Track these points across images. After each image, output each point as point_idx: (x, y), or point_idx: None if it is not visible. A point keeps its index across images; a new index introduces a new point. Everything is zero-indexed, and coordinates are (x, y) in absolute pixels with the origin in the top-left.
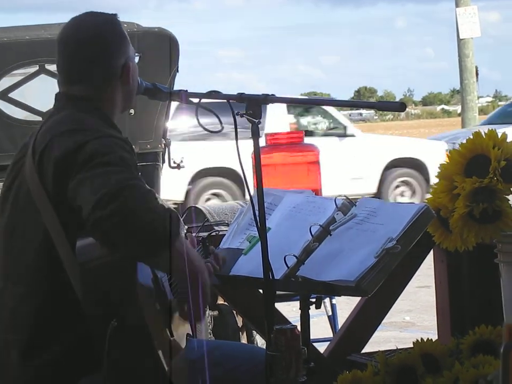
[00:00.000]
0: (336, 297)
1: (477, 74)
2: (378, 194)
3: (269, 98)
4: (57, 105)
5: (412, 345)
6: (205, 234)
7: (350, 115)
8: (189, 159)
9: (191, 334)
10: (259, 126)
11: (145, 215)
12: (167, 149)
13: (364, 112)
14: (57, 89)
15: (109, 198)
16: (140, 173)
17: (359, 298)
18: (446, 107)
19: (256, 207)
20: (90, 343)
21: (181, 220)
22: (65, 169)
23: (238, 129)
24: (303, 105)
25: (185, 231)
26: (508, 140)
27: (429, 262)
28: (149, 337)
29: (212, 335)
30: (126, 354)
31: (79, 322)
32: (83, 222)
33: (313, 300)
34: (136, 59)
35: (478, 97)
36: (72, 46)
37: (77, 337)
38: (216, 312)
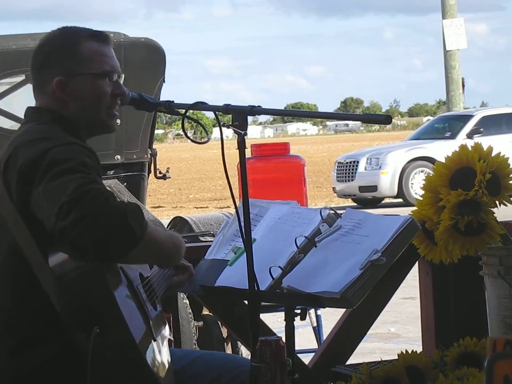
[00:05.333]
0: (321, 308)
1: (463, 85)
2: None
3: (255, 110)
4: (24, 119)
5: (397, 357)
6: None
7: (336, 125)
8: None
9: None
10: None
11: (109, 217)
12: (153, 159)
13: (350, 123)
14: None
15: (68, 206)
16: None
17: (344, 309)
18: (432, 118)
19: (242, 218)
20: (74, 352)
21: (144, 209)
22: (28, 177)
23: None
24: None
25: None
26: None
27: (414, 273)
28: (133, 342)
29: (196, 346)
30: (110, 362)
31: (59, 333)
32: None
33: (298, 311)
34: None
35: (464, 109)
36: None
37: (58, 347)
38: (201, 323)
